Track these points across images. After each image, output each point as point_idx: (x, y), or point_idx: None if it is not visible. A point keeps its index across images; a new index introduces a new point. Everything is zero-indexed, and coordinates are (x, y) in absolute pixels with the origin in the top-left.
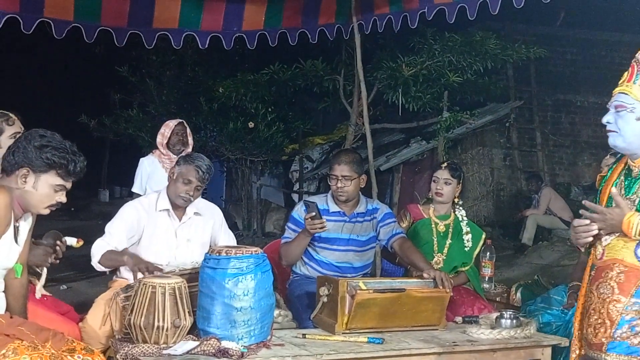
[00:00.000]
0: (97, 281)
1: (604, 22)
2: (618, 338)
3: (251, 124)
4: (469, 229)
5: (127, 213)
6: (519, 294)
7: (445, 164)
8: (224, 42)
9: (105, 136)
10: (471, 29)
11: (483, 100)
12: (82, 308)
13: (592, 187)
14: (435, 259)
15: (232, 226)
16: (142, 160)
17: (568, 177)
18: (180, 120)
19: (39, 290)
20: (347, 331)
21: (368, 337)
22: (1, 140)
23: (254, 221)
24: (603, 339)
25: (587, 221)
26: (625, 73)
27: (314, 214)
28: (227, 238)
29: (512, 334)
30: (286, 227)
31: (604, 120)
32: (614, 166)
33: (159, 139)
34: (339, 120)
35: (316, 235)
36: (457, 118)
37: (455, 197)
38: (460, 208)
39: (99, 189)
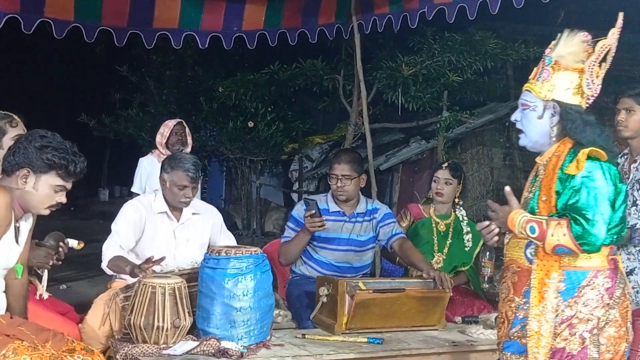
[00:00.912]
0: (97, 281)
1: (604, 21)
2: (512, 337)
3: (251, 124)
4: (469, 229)
5: (129, 212)
6: None
7: (446, 164)
8: (223, 42)
9: (105, 135)
10: (471, 29)
11: (483, 100)
12: (81, 308)
13: None
14: (435, 258)
15: (232, 226)
16: (141, 160)
17: None
18: (179, 120)
19: (42, 292)
20: (347, 331)
21: (368, 337)
22: (3, 141)
23: (254, 220)
24: (502, 338)
25: (487, 222)
26: (535, 68)
27: (313, 211)
28: (226, 239)
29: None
30: (286, 226)
31: (512, 118)
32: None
33: (158, 138)
34: (339, 120)
35: (316, 234)
36: (456, 117)
37: (455, 197)
38: (461, 208)
39: (99, 189)
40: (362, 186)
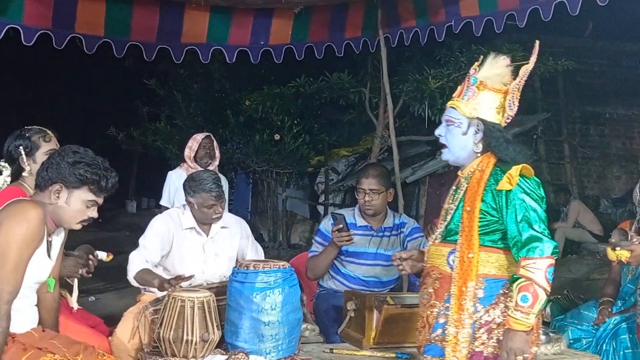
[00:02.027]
0: (126, 293)
1: (633, 33)
2: (433, 341)
3: (277, 136)
4: None
5: (158, 225)
6: (548, 309)
7: None
8: (251, 56)
9: (133, 148)
10: (498, 41)
11: None
12: (111, 320)
13: (623, 200)
14: None
15: (258, 238)
16: (170, 173)
17: (597, 190)
18: (208, 134)
19: (73, 303)
20: (375, 346)
21: (396, 353)
22: (37, 156)
23: (280, 233)
24: (423, 342)
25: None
26: (459, 87)
27: (341, 226)
28: (254, 251)
29: (542, 350)
30: (313, 240)
31: (436, 132)
32: None
33: (186, 152)
34: (365, 132)
35: (343, 249)
36: None
37: None
38: None
39: (127, 200)
40: (390, 200)
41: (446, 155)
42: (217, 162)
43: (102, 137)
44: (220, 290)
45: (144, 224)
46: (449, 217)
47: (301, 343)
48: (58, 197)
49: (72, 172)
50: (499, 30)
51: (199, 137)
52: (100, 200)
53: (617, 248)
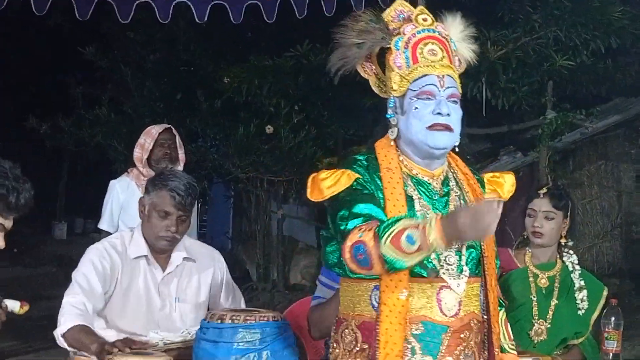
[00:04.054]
0: (50, 354)
1: None
2: None
3: (269, 129)
4: (583, 283)
5: (95, 258)
6: None
7: (545, 190)
8: (230, 13)
9: (62, 146)
10: None
11: (605, 93)
12: None
13: None
14: (535, 327)
15: (242, 276)
16: (112, 183)
17: None
18: (167, 126)
19: None
20: None
21: None
22: None
23: (274, 268)
24: None
25: None
26: (437, 47)
27: None
28: (231, 296)
29: None
30: (317, 281)
31: (443, 110)
32: None
33: (136, 152)
34: None
35: None
36: (567, 119)
37: (561, 237)
38: (571, 253)
39: (53, 222)
40: None
41: (448, 142)
42: (181, 167)
43: (16, 129)
44: (183, 353)
45: (78, 255)
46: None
47: None
48: None
49: None
50: None
51: (154, 130)
52: (7, 224)
53: None
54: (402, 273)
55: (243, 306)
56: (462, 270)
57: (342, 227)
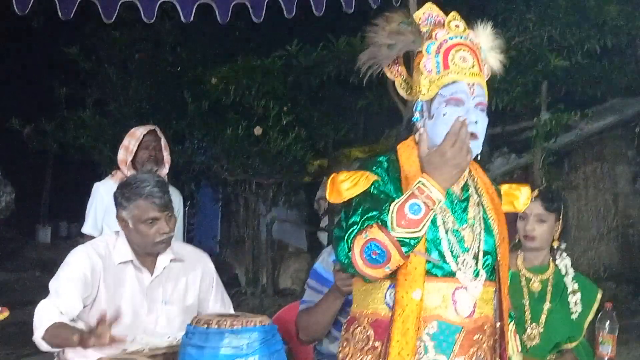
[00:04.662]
0: None
1: None
2: None
3: (258, 130)
4: (576, 286)
5: (77, 262)
6: None
7: (537, 193)
8: (217, 13)
9: (45, 149)
10: None
11: (600, 94)
12: None
13: None
14: (528, 331)
15: (231, 280)
16: (96, 186)
17: None
18: (152, 127)
19: None
20: None
21: None
22: None
23: (263, 273)
24: None
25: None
26: (468, 54)
27: None
28: (219, 300)
29: None
30: (306, 285)
31: (472, 118)
32: None
33: (121, 154)
34: (388, 125)
35: (350, 297)
36: (561, 120)
37: (554, 240)
38: (564, 255)
39: (37, 226)
40: None
41: (474, 149)
42: (166, 169)
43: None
44: (169, 358)
45: (63, 259)
46: (481, 246)
47: None
48: None
49: None
50: None
51: (139, 132)
52: None
53: None
54: (417, 273)
55: (232, 311)
56: (478, 274)
57: (352, 235)
